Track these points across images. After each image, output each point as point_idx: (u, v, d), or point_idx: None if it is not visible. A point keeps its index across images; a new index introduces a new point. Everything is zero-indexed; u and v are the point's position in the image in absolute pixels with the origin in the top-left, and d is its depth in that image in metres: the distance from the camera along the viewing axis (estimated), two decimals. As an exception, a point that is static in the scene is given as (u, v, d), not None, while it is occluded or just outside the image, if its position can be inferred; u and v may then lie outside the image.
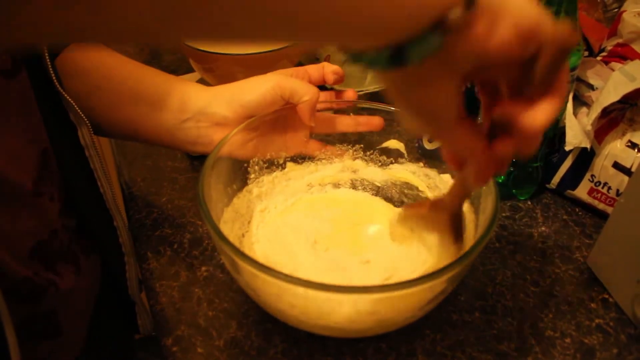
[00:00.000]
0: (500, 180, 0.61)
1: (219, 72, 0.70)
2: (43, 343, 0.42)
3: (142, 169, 0.65)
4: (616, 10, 0.73)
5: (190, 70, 0.79)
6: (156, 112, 0.51)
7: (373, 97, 0.73)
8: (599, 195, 0.57)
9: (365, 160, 0.58)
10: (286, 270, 0.37)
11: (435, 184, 0.55)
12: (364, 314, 0.41)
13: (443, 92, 0.28)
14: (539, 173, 0.61)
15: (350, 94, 0.56)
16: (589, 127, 0.54)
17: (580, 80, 0.59)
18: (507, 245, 0.56)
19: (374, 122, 0.55)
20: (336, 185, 0.59)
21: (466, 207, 0.50)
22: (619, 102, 0.53)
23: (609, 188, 0.56)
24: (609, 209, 0.56)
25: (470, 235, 0.47)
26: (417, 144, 0.58)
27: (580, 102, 0.59)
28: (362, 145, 0.58)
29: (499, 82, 0.32)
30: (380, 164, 0.58)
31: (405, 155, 0.57)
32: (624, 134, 0.55)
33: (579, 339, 0.46)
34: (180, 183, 0.63)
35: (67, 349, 0.45)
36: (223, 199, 0.49)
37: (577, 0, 0.51)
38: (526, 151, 0.31)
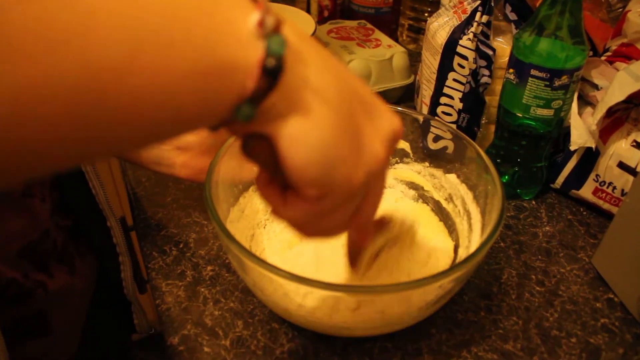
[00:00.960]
0: (504, 180, 0.61)
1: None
2: (33, 342, 0.42)
3: (146, 169, 0.65)
4: (621, 10, 0.72)
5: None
6: None
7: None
8: (604, 195, 0.57)
9: (370, 160, 0.58)
10: (298, 270, 0.37)
11: (440, 183, 0.55)
12: (370, 313, 0.41)
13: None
14: (543, 173, 0.61)
15: None
16: (594, 127, 0.54)
17: (584, 80, 0.59)
18: (512, 245, 0.56)
19: None
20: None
21: (472, 207, 0.50)
22: (623, 101, 0.53)
23: (614, 188, 0.56)
24: (614, 209, 0.56)
25: (477, 235, 0.47)
26: (422, 144, 0.58)
27: (585, 101, 0.60)
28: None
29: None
30: (385, 163, 0.58)
31: (411, 155, 0.57)
32: (628, 134, 0.55)
33: (585, 339, 0.47)
34: (185, 183, 0.63)
35: (61, 348, 0.45)
36: (229, 199, 0.50)
37: (582, 0, 0.51)
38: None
